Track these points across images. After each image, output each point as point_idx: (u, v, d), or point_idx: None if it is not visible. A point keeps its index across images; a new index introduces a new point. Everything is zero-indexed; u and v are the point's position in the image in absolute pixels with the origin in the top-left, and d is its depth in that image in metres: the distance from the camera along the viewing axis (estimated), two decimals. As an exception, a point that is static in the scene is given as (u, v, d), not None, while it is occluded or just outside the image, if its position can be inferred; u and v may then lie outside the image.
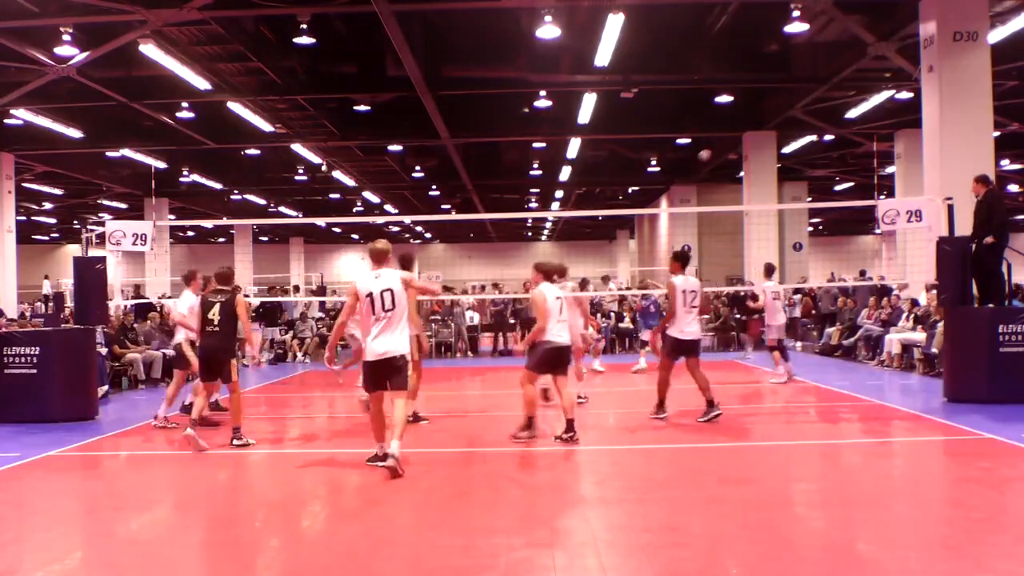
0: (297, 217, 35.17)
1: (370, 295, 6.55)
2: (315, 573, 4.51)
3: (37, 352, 9.65)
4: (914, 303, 13.92)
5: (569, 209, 36.27)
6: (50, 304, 24.30)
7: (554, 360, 7.80)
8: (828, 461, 7.30)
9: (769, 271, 12.91)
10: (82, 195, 30.60)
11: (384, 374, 6.56)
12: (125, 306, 14.65)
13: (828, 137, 22.75)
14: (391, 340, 6.52)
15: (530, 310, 10.48)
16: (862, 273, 24.51)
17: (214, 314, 7.70)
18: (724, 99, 18.76)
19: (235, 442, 7.72)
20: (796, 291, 19.22)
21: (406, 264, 8.25)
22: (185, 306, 8.92)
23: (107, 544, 5.16)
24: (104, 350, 12.42)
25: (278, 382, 14.29)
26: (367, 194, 32.28)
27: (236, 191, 30.59)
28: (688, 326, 8.62)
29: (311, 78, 17.28)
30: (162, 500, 6.34)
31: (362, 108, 19.44)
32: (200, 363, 7.96)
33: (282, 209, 35.30)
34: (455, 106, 18.46)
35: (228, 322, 7.72)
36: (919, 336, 13.02)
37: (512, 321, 19.30)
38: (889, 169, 23.23)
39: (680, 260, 8.97)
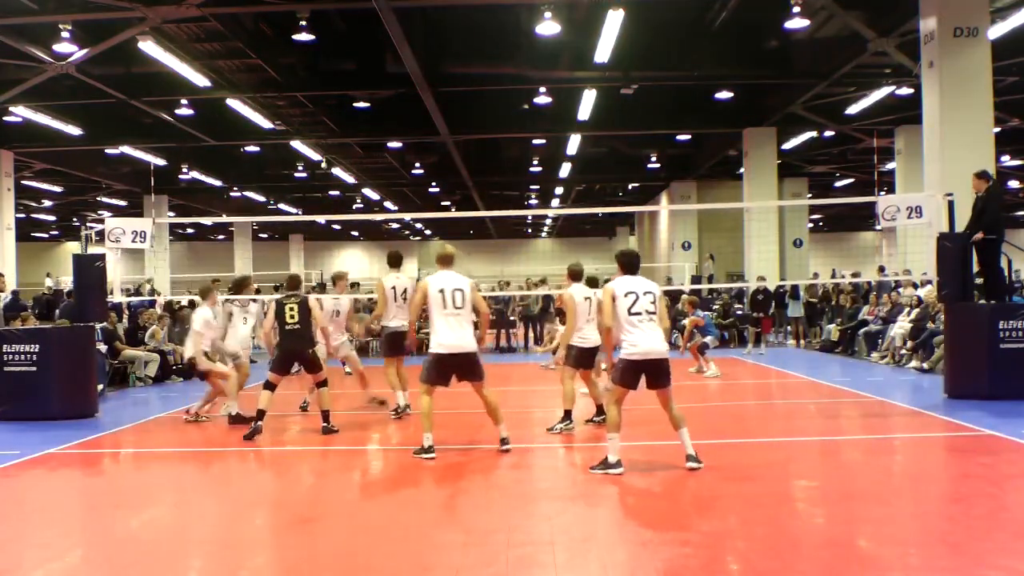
0: (297, 214, 35.13)
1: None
2: (314, 571, 4.50)
3: (36, 350, 9.65)
4: (919, 301, 13.92)
5: (569, 206, 36.24)
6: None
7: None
8: (829, 457, 7.30)
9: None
10: (81, 192, 30.58)
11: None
12: (128, 304, 14.61)
13: (828, 133, 22.72)
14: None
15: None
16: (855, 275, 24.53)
17: (293, 314, 8.43)
18: (724, 95, 18.72)
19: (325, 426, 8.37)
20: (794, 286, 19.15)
21: None
22: (200, 321, 9.08)
23: (107, 542, 5.15)
24: (104, 347, 12.41)
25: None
26: (367, 191, 32.26)
27: (236, 188, 30.58)
28: (589, 334, 8.15)
29: (310, 75, 17.26)
30: (162, 498, 6.33)
31: (361, 105, 19.40)
32: (282, 359, 8.53)
33: (281, 206, 35.30)
34: (455, 103, 18.41)
35: (305, 319, 8.50)
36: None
37: (512, 319, 19.27)
38: (889, 165, 23.25)
39: (574, 276, 8.37)
